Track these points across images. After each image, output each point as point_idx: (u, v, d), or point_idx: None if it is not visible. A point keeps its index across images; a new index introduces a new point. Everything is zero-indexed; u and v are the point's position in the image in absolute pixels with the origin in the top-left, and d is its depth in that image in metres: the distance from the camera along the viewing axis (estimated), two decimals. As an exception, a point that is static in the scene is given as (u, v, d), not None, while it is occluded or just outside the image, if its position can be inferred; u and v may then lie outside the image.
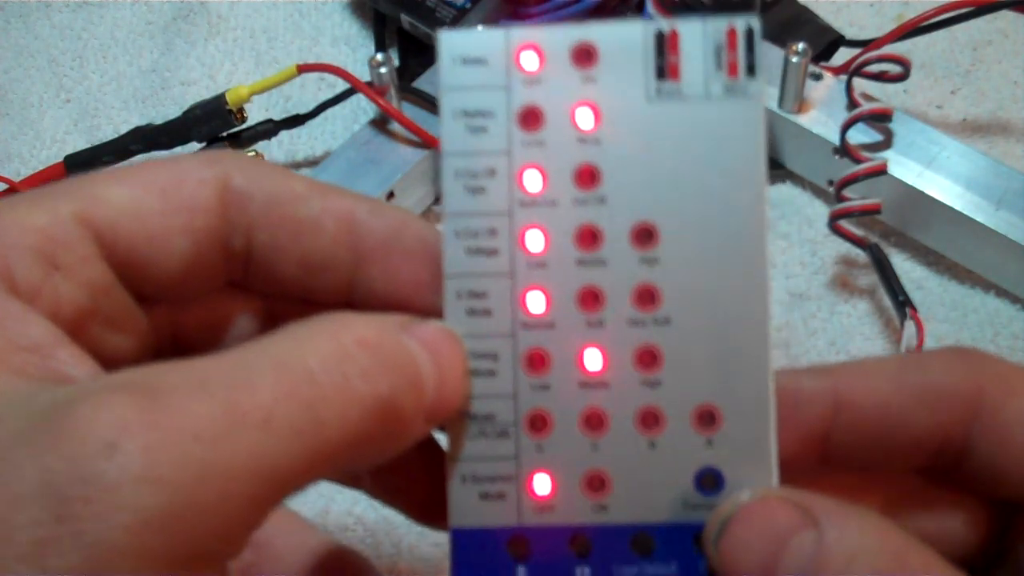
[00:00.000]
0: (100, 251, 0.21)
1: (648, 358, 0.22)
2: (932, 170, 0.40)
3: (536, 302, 0.22)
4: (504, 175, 0.22)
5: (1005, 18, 0.47)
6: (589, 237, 0.22)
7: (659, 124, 0.22)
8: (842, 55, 0.45)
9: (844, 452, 0.22)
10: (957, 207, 0.39)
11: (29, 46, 0.53)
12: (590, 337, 0.22)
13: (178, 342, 0.24)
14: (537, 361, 0.22)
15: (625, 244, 0.22)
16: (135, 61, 0.52)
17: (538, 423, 0.22)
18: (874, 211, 0.39)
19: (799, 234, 0.43)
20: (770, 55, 0.44)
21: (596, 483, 0.22)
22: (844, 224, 0.40)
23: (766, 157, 0.22)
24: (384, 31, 0.50)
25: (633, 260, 0.22)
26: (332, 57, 0.51)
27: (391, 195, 0.43)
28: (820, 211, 0.43)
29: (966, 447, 0.21)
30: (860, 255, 0.41)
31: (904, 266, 0.41)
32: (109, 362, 0.21)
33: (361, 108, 0.48)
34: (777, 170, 0.44)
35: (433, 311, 0.22)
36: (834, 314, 0.41)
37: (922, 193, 0.40)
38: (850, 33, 0.46)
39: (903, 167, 0.40)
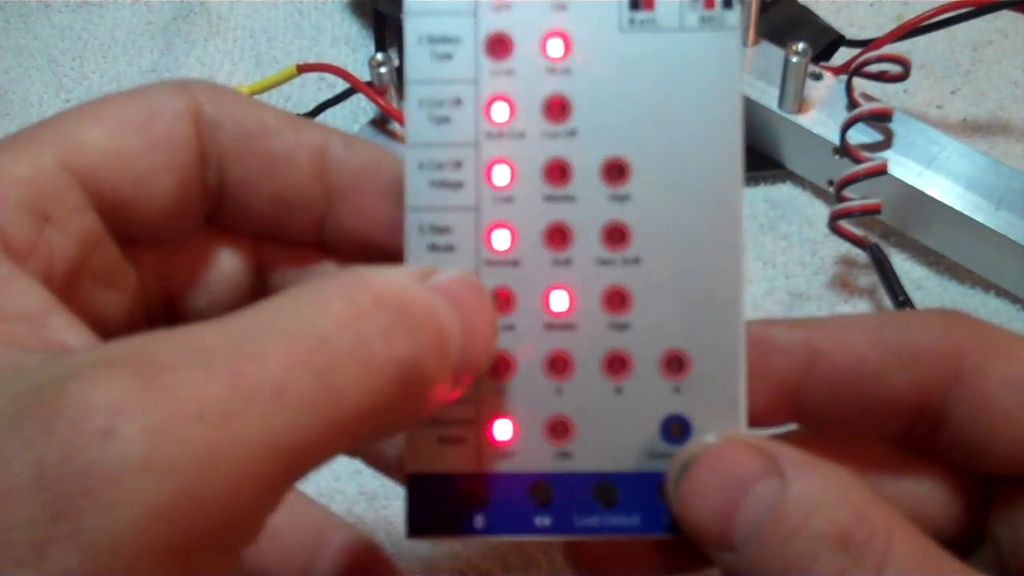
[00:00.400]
0: (89, 199, 0.20)
1: (616, 300, 0.21)
2: (932, 170, 0.40)
3: (501, 239, 0.21)
4: (470, 105, 0.21)
5: (1005, 18, 0.47)
6: (558, 172, 0.21)
7: (632, 55, 0.21)
8: (842, 55, 0.45)
9: (817, 409, 0.21)
10: (957, 207, 0.39)
11: (29, 46, 0.53)
12: (557, 277, 0.21)
13: (165, 290, 0.23)
14: (501, 301, 0.21)
15: (595, 180, 0.21)
16: (135, 61, 0.52)
17: (500, 365, 0.21)
18: (874, 211, 0.39)
19: (799, 234, 0.43)
20: (770, 55, 0.44)
21: (559, 429, 0.21)
22: (844, 224, 0.40)
23: (742, 92, 0.21)
24: (384, 31, 0.50)
25: (603, 197, 0.21)
26: (332, 57, 0.51)
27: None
28: (820, 211, 0.43)
29: (944, 412, 0.21)
30: (860, 255, 0.41)
31: (904, 266, 0.41)
32: (101, 320, 0.20)
33: (361, 108, 0.48)
34: (777, 170, 0.44)
35: (403, 252, 0.21)
36: (834, 314, 0.41)
37: (922, 193, 0.40)
38: (850, 33, 0.46)
39: (903, 167, 0.40)
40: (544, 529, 0.21)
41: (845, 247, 0.41)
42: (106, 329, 0.18)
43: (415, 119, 0.21)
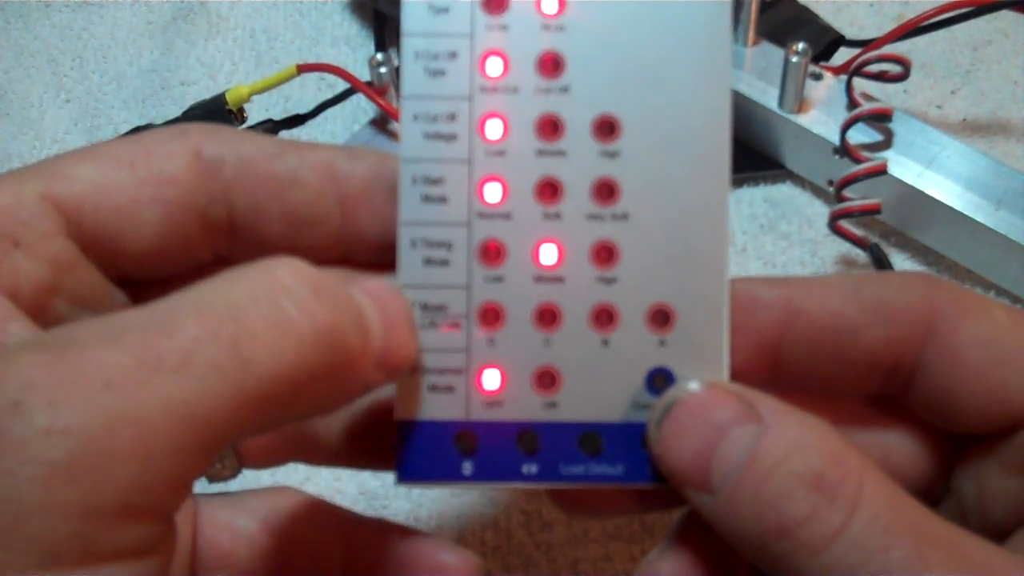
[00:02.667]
0: (65, 228, 0.21)
1: (604, 254, 0.21)
2: (932, 170, 0.40)
3: (493, 192, 0.21)
4: (465, 59, 0.21)
5: (1005, 18, 0.47)
6: (550, 127, 0.21)
7: (626, 14, 0.21)
8: (842, 55, 0.45)
9: (796, 365, 0.22)
10: (957, 207, 0.39)
11: (29, 46, 0.53)
12: (547, 230, 0.21)
13: None
14: (492, 252, 0.21)
15: (586, 136, 0.21)
16: (135, 61, 0.52)
17: (490, 316, 0.21)
18: (874, 211, 0.39)
19: (799, 234, 0.43)
20: (770, 55, 0.44)
21: (546, 380, 0.21)
22: (844, 224, 0.40)
23: (731, 54, 0.21)
24: (384, 31, 0.50)
25: (593, 153, 0.21)
26: (332, 57, 0.51)
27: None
28: (820, 211, 0.43)
29: (917, 369, 0.21)
30: (860, 255, 0.41)
31: (904, 266, 0.41)
32: None
33: (361, 108, 0.48)
34: (777, 170, 0.44)
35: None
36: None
37: (922, 193, 0.40)
38: (850, 33, 0.46)
39: (903, 167, 0.40)
40: (531, 477, 0.21)
41: (845, 247, 0.41)
42: None
43: (411, 71, 0.21)
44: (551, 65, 0.21)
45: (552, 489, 0.22)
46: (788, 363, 0.22)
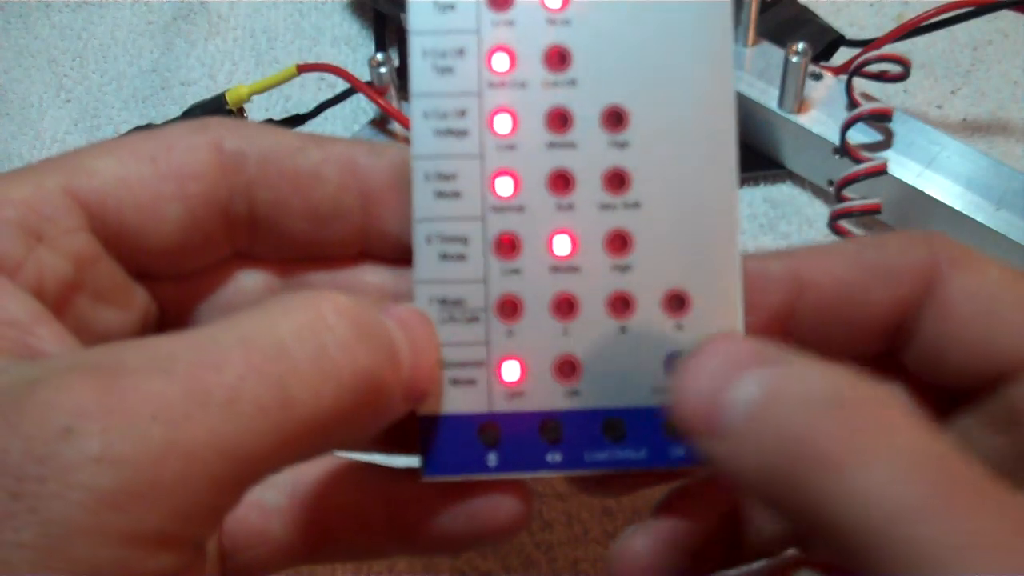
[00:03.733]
0: (87, 222, 0.21)
1: (618, 242, 0.22)
2: (932, 170, 0.40)
3: (505, 185, 0.21)
4: (473, 55, 0.21)
5: (1005, 18, 0.47)
6: (559, 120, 0.21)
7: (629, 5, 0.21)
8: (842, 55, 0.45)
9: (805, 333, 0.22)
10: (957, 207, 0.39)
11: (29, 46, 0.53)
12: (560, 221, 0.22)
13: (186, 319, 0.23)
14: (507, 245, 0.21)
15: (595, 127, 0.21)
16: (135, 61, 0.52)
17: (508, 308, 0.22)
18: (874, 211, 0.39)
19: (799, 234, 0.43)
20: (770, 55, 0.44)
21: (567, 368, 0.22)
22: (844, 224, 0.40)
23: (733, 41, 0.22)
24: (384, 31, 0.50)
25: (603, 143, 0.22)
26: (332, 57, 0.51)
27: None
28: (820, 211, 0.43)
29: (916, 325, 0.21)
30: (860, 255, 0.41)
31: (904, 266, 0.41)
32: (101, 337, 0.21)
33: (361, 108, 0.48)
34: (777, 170, 0.44)
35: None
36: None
37: (922, 193, 0.40)
38: (850, 33, 0.46)
39: (903, 167, 0.40)
40: (556, 465, 0.22)
41: (845, 247, 0.41)
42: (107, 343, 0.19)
43: (420, 69, 0.21)
44: (558, 59, 0.21)
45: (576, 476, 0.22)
46: (799, 331, 0.22)
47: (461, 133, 0.21)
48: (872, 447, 0.16)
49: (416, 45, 0.21)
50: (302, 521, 0.23)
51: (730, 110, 0.22)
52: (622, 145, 0.21)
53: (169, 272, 0.22)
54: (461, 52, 0.21)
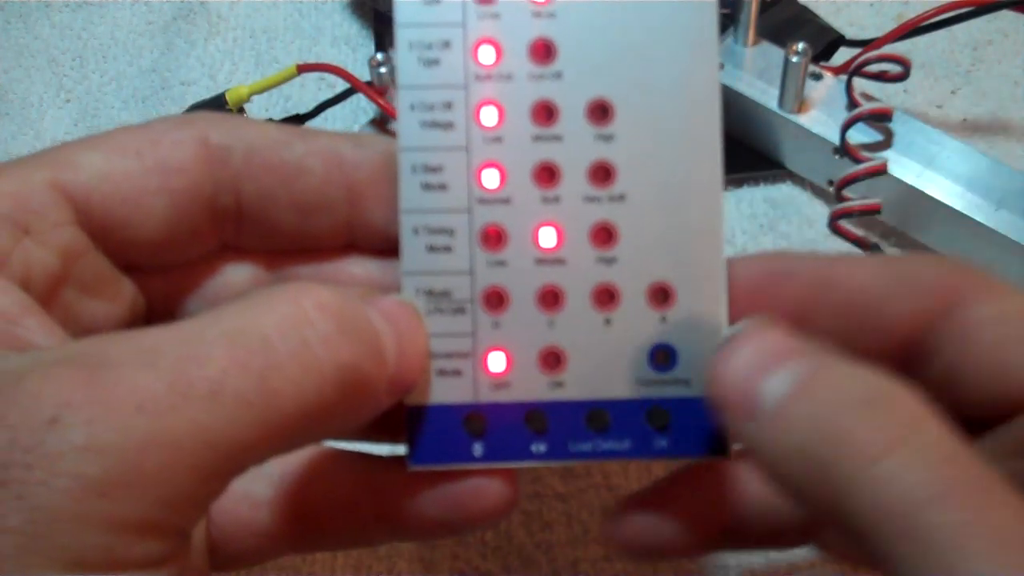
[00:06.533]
0: (74, 216, 0.21)
1: (603, 235, 0.22)
2: (932, 170, 0.40)
3: (491, 178, 0.22)
4: (459, 47, 0.22)
5: (1005, 18, 0.47)
6: (544, 112, 0.22)
7: None
8: (842, 55, 0.45)
9: (823, 336, 0.22)
10: (957, 207, 0.39)
11: (29, 46, 0.53)
12: (546, 214, 0.22)
13: (174, 310, 0.24)
14: (493, 237, 0.22)
15: (581, 120, 0.22)
16: (135, 61, 0.52)
17: (494, 300, 0.22)
18: (874, 211, 0.39)
19: (799, 234, 0.43)
20: (770, 55, 0.44)
21: (552, 360, 0.22)
22: (844, 224, 0.40)
23: (718, 34, 0.22)
24: (384, 31, 0.50)
25: (588, 136, 0.22)
26: (332, 57, 0.51)
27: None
28: (820, 211, 0.43)
29: (934, 347, 0.21)
30: (860, 255, 0.41)
31: (904, 266, 0.41)
32: (89, 329, 0.21)
33: (361, 108, 0.48)
34: (777, 170, 0.44)
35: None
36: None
37: (922, 193, 0.40)
38: (850, 33, 0.46)
39: (903, 167, 0.40)
40: (540, 455, 0.22)
41: (845, 247, 0.41)
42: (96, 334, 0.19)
43: (406, 61, 0.22)
44: (543, 51, 0.22)
45: (620, 542, 0.23)
46: (816, 333, 0.22)
47: (447, 125, 0.21)
48: (899, 438, 0.17)
49: (402, 38, 0.21)
50: (289, 511, 0.23)
51: (715, 104, 0.22)
52: (607, 138, 0.22)
53: (156, 264, 0.23)
54: (447, 45, 0.21)
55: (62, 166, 0.21)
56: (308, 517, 0.23)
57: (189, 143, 0.22)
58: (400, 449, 0.22)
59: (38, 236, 0.20)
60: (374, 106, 0.44)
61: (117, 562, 0.16)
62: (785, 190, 0.44)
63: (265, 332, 0.18)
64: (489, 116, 0.22)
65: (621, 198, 0.22)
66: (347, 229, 0.23)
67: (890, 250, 0.41)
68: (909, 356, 0.22)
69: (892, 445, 0.17)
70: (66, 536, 0.15)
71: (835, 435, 0.17)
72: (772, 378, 0.18)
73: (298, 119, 0.46)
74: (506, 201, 0.22)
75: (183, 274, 0.24)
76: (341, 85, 0.46)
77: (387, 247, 0.23)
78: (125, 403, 0.16)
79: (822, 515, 0.18)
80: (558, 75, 0.22)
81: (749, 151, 0.44)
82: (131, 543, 0.16)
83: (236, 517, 0.23)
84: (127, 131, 0.22)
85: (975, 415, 0.21)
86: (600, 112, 0.22)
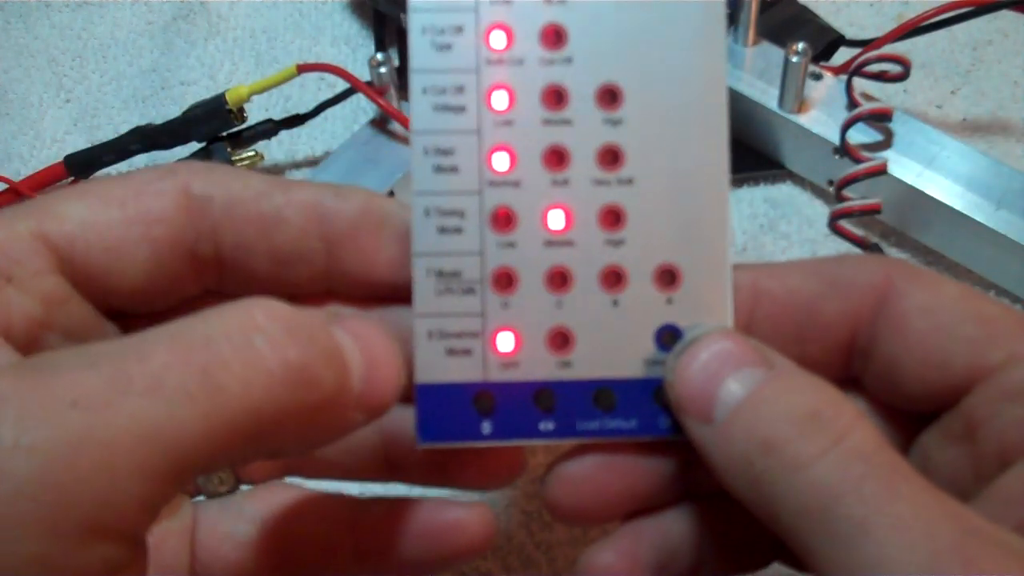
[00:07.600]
0: (56, 265, 0.21)
1: (612, 218, 0.22)
2: (932, 170, 0.40)
3: (501, 161, 0.22)
4: (471, 32, 0.22)
5: (1005, 18, 0.47)
6: (555, 97, 0.22)
7: None
8: (842, 55, 0.45)
9: (770, 341, 0.22)
10: (957, 207, 0.39)
11: (29, 46, 0.53)
12: (555, 196, 0.22)
13: None
14: (503, 219, 0.22)
15: (590, 104, 0.22)
16: (135, 61, 0.52)
17: (504, 280, 0.22)
18: (874, 211, 0.39)
19: (799, 234, 0.43)
20: (770, 55, 0.44)
21: (560, 340, 0.22)
22: (844, 224, 0.40)
23: (726, 20, 0.22)
24: (384, 31, 0.50)
25: (598, 120, 0.22)
26: (332, 57, 0.51)
27: (391, 194, 0.43)
28: (820, 211, 0.43)
29: (871, 343, 0.22)
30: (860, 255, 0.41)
31: (904, 266, 0.41)
32: None
33: (361, 108, 0.48)
34: (777, 170, 0.44)
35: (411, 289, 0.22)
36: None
37: (922, 193, 0.40)
38: (850, 33, 0.46)
39: (903, 167, 0.40)
40: (548, 433, 0.22)
41: (845, 247, 0.41)
42: None
43: (418, 45, 0.22)
44: (554, 37, 0.22)
45: (549, 498, 0.23)
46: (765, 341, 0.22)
47: (459, 109, 0.22)
48: (826, 449, 0.18)
49: (415, 22, 0.22)
50: (271, 551, 0.24)
51: (722, 89, 0.22)
52: (616, 123, 0.22)
53: (140, 310, 0.23)
54: (459, 29, 0.22)
55: (46, 216, 0.21)
56: (290, 557, 0.24)
57: (171, 193, 0.22)
58: (378, 489, 0.22)
59: (20, 284, 0.20)
60: (374, 106, 0.44)
61: (59, 571, 0.15)
62: (785, 190, 0.44)
63: (210, 333, 0.17)
64: (500, 100, 0.22)
65: (629, 181, 0.22)
66: (326, 278, 0.23)
67: (890, 250, 0.41)
68: (853, 355, 0.22)
69: (819, 454, 0.18)
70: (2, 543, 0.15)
71: (772, 446, 0.18)
72: (724, 386, 0.20)
73: (298, 119, 0.45)
74: (516, 184, 0.22)
75: (167, 319, 0.24)
76: (341, 85, 0.46)
77: (367, 295, 0.24)
78: (59, 399, 0.16)
79: (765, 522, 0.19)
80: (568, 60, 0.22)
81: (749, 151, 0.44)
82: (72, 550, 0.15)
83: (220, 556, 0.24)
84: (112, 181, 0.22)
85: (924, 408, 0.22)
86: (609, 97, 0.22)
